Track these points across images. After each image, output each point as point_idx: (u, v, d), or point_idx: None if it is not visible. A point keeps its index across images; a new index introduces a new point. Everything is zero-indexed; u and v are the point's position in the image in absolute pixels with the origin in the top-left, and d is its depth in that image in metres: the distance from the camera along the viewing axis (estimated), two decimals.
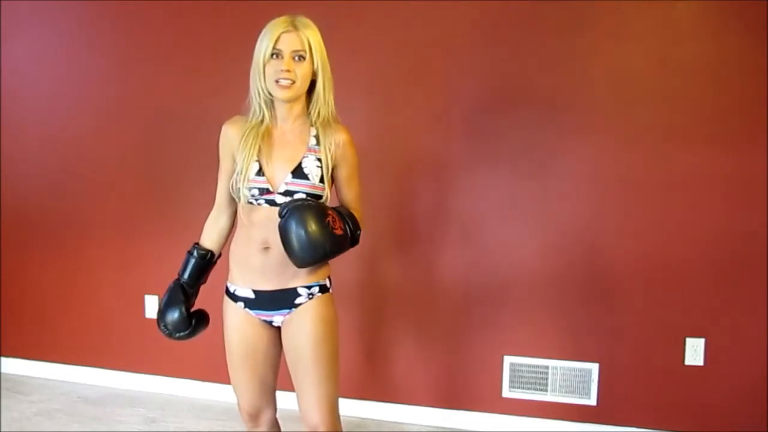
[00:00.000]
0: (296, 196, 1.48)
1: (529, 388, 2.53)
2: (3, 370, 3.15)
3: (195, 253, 1.62)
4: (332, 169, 1.55)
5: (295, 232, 1.40)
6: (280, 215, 1.43)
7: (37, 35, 2.97)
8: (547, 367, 2.51)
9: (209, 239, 1.65)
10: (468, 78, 2.48)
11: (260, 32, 1.49)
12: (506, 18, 2.42)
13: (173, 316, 1.57)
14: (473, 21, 2.45)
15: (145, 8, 2.78)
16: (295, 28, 1.46)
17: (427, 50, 2.51)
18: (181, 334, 1.59)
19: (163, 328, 1.59)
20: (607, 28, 2.35)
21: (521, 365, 2.53)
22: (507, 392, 2.55)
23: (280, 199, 1.49)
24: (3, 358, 3.17)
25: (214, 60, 2.71)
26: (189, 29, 2.75)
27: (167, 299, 1.58)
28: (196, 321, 1.60)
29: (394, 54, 2.54)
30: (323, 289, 1.59)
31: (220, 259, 1.67)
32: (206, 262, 1.63)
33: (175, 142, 2.81)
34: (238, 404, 1.65)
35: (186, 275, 1.61)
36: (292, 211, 1.41)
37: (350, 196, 1.61)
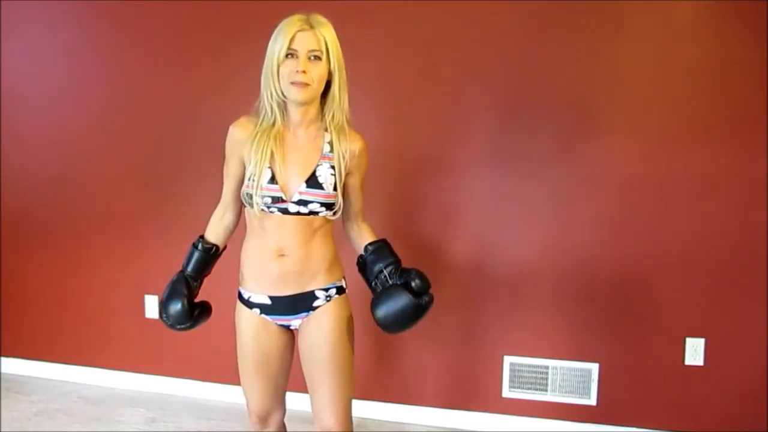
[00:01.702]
0: (311, 207, 1.46)
1: (529, 388, 2.53)
2: (3, 370, 3.14)
3: (200, 247, 1.59)
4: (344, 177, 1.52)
5: (403, 318, 1.56)
6: (421, 292, 1.56)
7: (37, 35, 2.96)
8: (547, 367, 2.51)
9: (214, 234, 1.62)
10: (475, 79, 2.47)
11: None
12: (512, 19, 2.42)
13: (176, 308, 1.54)
14: (481, 22, 2.45)
15: (145, 8, 2.78)
16: (311, 26, 1.40)
17: (435, 50, 2.50)
18: (182, 326, 1.57)
19: (165, 319, 1.57)
20: (608, 28, 2.35)
21: (521, 365, 2.53)
22: (507, 392, 2.55)
23: (294, 208, 1.45)
24: (3, 358, 3.17)
25: (214, 60, 2.71)
26: (189, 29, 2.75)
27: (170, 291, 1.56)
28: (198, 313, 1.59)
29: (402, 54, 2.53)
30: (340, 290, 1.59)
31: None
32: (210, 255, 1.61)
33: (175, 141, 2.80)
34: (248, 406, 1.63)
35: (189, 268, 1.59)
36: (423, 310, 1.58)
37: (359, 203, 1.61)
